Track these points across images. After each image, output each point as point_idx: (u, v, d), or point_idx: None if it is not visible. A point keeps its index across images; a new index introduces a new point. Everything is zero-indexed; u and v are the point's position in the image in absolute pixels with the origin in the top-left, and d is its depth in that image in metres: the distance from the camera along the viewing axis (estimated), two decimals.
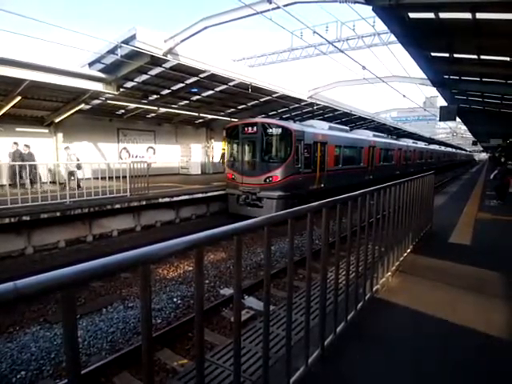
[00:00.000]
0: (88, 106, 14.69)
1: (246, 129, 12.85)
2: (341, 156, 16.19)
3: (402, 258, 4.73)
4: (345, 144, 16.53)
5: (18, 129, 13.77)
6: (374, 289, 3.69)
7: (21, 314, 5.85)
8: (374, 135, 21.07)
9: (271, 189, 12.19)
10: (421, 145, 33.06)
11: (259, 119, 13.89)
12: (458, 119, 20.47)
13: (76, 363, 1.06)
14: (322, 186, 14.43)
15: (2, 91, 11.25)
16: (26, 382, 4.20)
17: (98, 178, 10.59)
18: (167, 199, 11.88)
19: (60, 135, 14.75)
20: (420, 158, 30.94)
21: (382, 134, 24.22)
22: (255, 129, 12.62)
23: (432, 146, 40.12)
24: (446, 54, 9.03)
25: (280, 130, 12.42)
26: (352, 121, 26.11)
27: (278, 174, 12.20)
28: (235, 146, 13.34)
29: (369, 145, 19.06)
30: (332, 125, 17.18)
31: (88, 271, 1.04)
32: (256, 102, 18.50)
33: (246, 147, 13.08)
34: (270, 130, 12.49)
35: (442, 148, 48.98)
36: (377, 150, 20.11)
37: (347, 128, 18.95)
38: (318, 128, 15.19)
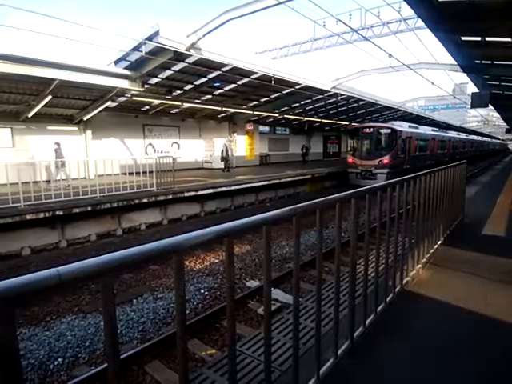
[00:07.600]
0: (114, 104, 15.03)
1: (364, 129, 18.98)
2: (417, 146, 21.78)
3: (432, 250, 4.59)
4: (418, 138, 22.25)
5: (49, 127, 14.30)
6: (404, 281, 3.61)
7: (57, 304, 6.13)
8: (433, 130, 27.10)
9: (382, 167, 17.99)
10: (462, 136, 38.58)
11: (374, 124, 20.46)
12: (489, 106, 19.60)
13: (115, 348, 1.10)
14: (408, 166, 19.32)
15: (34, 91, 11.67)
16: (64, 368, 4.41)
17: (125, 174, 10.86)
18: (192, 193, 12.05)
19: (89, 132, 15.22)
20: (463, 147, 36.57)
21: (436, 129, 29.69)
22: (372, 130, 18.74)
23: (471, 137, 45.07)
24: (478, 38, 8.58)
25: (389, 130, 18.39)
26: (377, 111, 25.52)
27: (387, 158, 17.98)
28: (356, 140, 19.37)
29: (431, 137, 24.79)
30: (410, 124, 22.92)
31: (126, 258, 1.07)
32: (279, 94, 18.36)
33: (365, 141, 18.92)
34: (382, 131, 18.57)
35: (479, 138, 52.03)
36: (436, 141, 25.71)
37: (417, 125, 24.25)
38: (404, 127, 20.57)
